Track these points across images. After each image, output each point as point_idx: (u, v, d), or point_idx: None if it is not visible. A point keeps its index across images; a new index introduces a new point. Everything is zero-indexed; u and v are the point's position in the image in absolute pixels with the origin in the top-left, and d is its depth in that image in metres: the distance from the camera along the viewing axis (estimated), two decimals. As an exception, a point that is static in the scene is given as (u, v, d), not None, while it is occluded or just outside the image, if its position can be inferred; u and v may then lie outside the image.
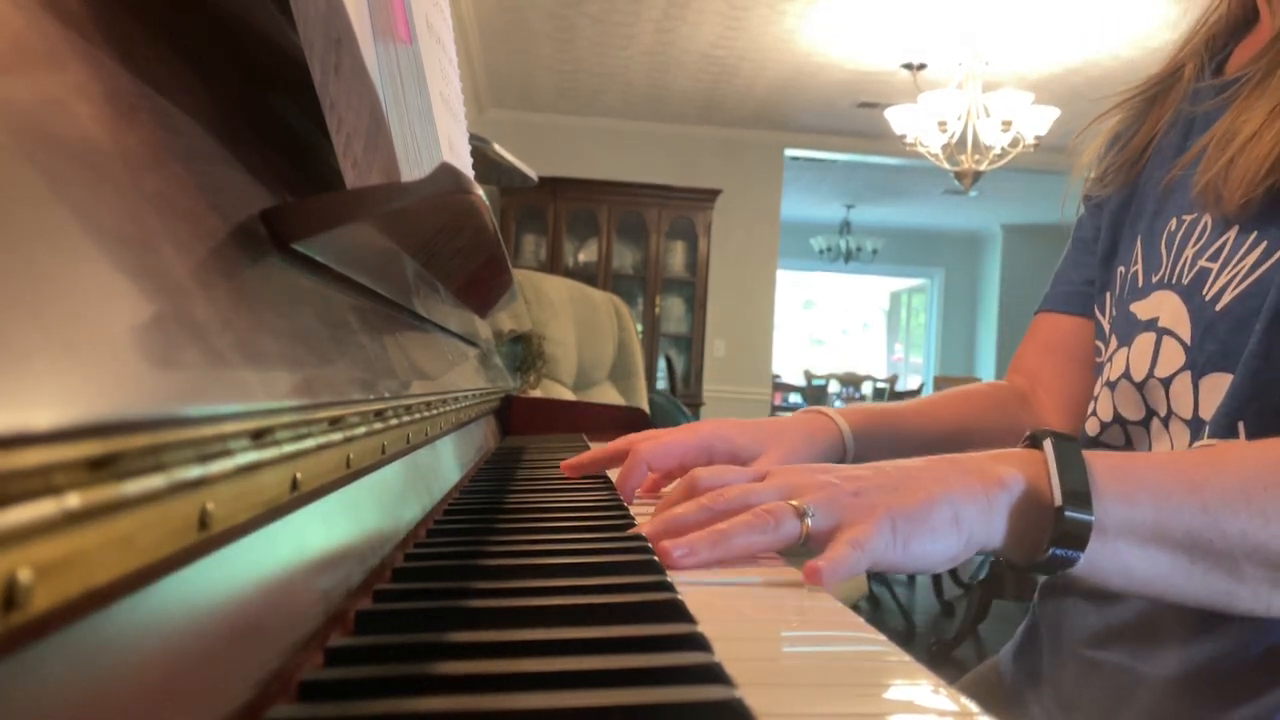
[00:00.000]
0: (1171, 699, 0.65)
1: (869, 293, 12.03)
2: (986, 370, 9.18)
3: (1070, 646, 0.75)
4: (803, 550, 0.52)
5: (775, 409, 7.00)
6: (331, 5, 0.42)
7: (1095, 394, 0.80)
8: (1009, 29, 4.34)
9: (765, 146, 6.25)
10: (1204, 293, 0.69)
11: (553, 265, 5.71)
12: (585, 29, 4.65)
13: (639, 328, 5.53)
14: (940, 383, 7.74)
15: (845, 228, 9.42)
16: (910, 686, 0.33)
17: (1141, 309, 0.76)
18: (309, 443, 0.32)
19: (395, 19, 0.56)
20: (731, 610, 0.43)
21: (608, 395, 2.93)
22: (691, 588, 0.43)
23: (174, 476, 0.22)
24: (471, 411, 0.88)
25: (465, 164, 0.80)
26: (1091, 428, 0.80)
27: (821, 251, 9.73)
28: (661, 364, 5.50)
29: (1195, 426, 0.69)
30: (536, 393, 2.08)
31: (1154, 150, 0.80)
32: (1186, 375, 0.70)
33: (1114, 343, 0.79)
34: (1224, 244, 0.69)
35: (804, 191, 8.14)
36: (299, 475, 0.31)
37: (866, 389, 9.09)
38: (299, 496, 0.31)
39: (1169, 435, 0.72)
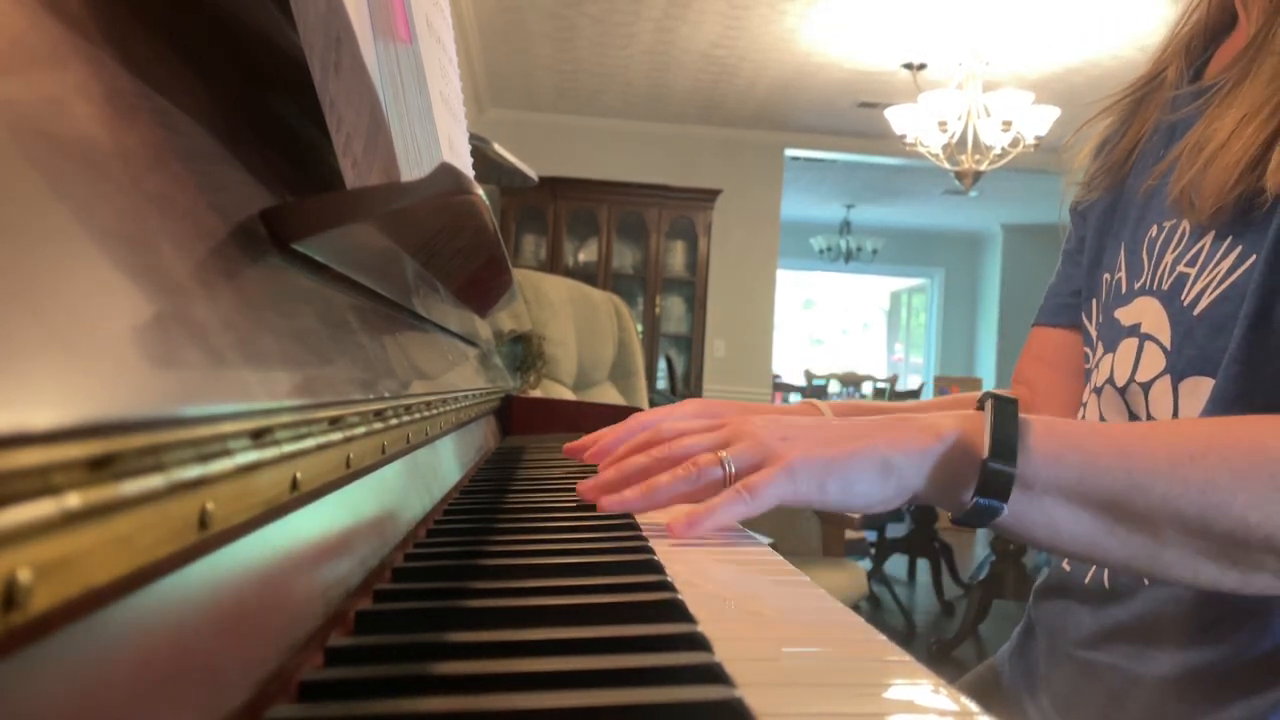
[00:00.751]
0: (1166, 700, 0.65)
1: (869, 293, 12.03)
2: (986, 370, 9.18)
3: (1065, 648, 0.75)
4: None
5: (775, 409, 6.99)
6: (331, 5, 0.42)
7: (1083, 400, 0.82)
8: (1009, 29, 4.34)
9: (765, 146, 6.25)
10: (1182, 298, 0.70)
11: (553, 265, 5.71)
12: (585, 29, 4.65)
13: (639, 328, 5.53)
14: (940, 383, 7.74)
15: (845, 228, 9.42)
16: (910, 686, 0.33)
17: (1125, 315, 0.77)
18: (309, 442, 0.32)
19: (395, 19, 0.56)
20: (732, 610, 0.43)
21: (608, 395, 2.93)
22: (692, 588, 0.43)
23: (173, 476, 0.22)
24: (471, 411, 0.88)
25: (465, 164, 0.80)
26: None
27: (821, 251, 9.73)
28: (661, 364, 5.50)
29: None
30: (536, 393, 2.08)
31: (1138, 156, 0.81)
32: (1166, 380, 0.71)
33: (1100, 349, 0.80)
34: (1201, 249, 0.69)
35: (804, 191, 8.14)
36: (299, 475, 0.31)
37: (866, 389, 9.09)
38: (299, 496, 0.31)
39: None
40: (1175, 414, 0.70)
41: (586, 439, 0.80)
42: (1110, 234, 0.82)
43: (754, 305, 6.24)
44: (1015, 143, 4.49)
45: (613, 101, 5.80)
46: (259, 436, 0.28)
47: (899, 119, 4.63)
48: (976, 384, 7.77)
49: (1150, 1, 4.00)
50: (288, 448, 0.30)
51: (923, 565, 4.57)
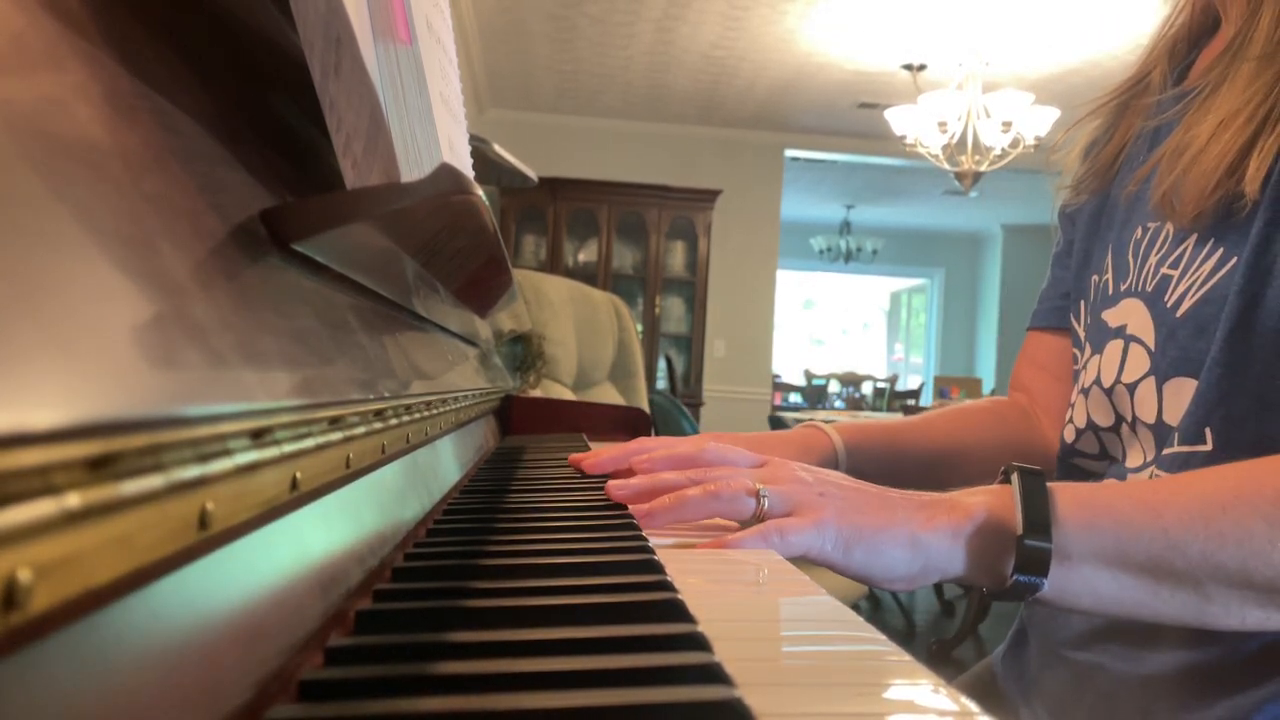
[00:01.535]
0: (1155, 700, 0.65)
1: (869, 293, 12.03)
2: (986, 370, 9.18)
3: (1056, 648, 0.75)
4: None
5: (775, 409, 7.00)
6: (331, 5, 0.42)
7: (1072, 401, 0.82)
8: (1009, 29, 4.34)
9: (765, 147, 6.25)
10: (1166, 299, 0.71)
11: (553, 265, 5.71)
12: (585, 29, 4.65)
13: (639, 328, 5.53)
14: (940, 383, 7.74)
15: (845, 228, 9.43)
16: (910, 686, 0.33)
17: (1111, 316, 0.77)
18: (309, 442, 0.32)
19: (395, 19, 0.56)
20: (732, 609, 0.43)
21: (608, 395, 2.92)
22: (692, 587, 0.43)
23: (173, 476, 0.22)
24: (471, 411, 0.88)
25: (465, 164, 0.80)
26: (1069, 435, 0.82)
27: (821, 251, 9.73)
28: (661, 364, 5.50)
29: (1159, 431, 0.70)
30: (536, 393, 2.08)
31: (1124, 159, 0.82)
32: (1150, 381, 0.71)
33: (1088, 350, 0.81)
34: (1183, 252, 0.70)
35: (804, 191, 8.14)
36: (299, 475, 0.31)
37: (866, 389, 9.09)
38: (299, 496, 0.31)
39: (1138, 440, 0.74)
40: (1160, 414, 0.70)
41: (596, 453, 0.79)
42: (1098, 237, 0.83)
43: (754, 305, 6.24)
44: (1015, 143, 4.49)
45: (613, 102, 5.80)
46: (259, 436, 0.28)
47: (899, 119, 4.63)
48: (976, 384, 7.77)
49: (1150, 2, 4.00)
50: (288, 448, 0.30)
51: (923, 565, 4.56)
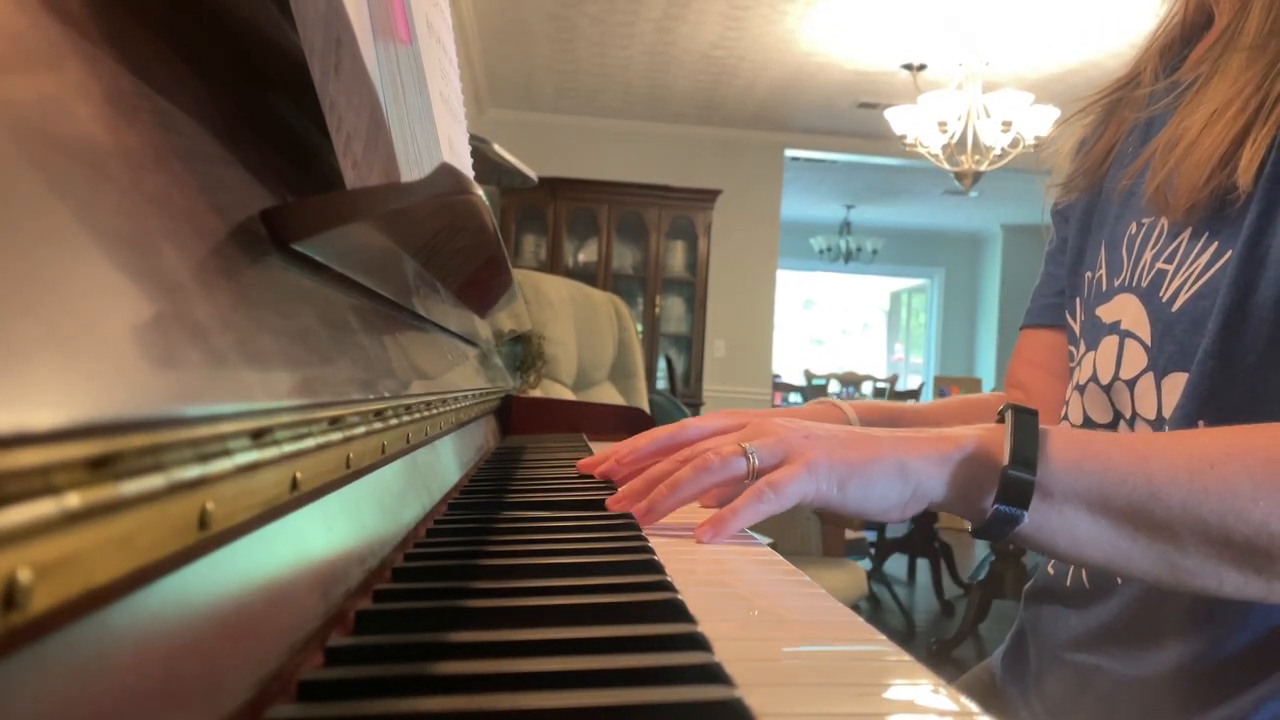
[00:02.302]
0: (1154, 701, 0.65)
1: (869, 293, 12.03)
2: (986, 370, 9.18)
3: (1055, 650, 0.75)
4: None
5: (775, 409, 6.99)
6: (331, 5, 0.42)
7: (1066, 399, 0.82)
8: (1009, 29, 4.34)
9: (765, 146, 6.25)
10: (1161, 294, 0.70)
11: (553, 265, 5.71)
12: (585, 29, 4.65)
13: (639, 328, 5.53)
14: (940, 383, 7.74)
15: (845, 228, 9.42)
16: (910, 686, 0.33)
17: (1106, 312, 0.77)
18: (309, 442, 0.32)
19: (395, 19, 0.56)
20: (732, 609, 0.43)
21: (608, 395, 2.92)
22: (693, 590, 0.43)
23: (173, 476, 0.22)
24: (471, 411, 0.88)
25: (465, 164, 0.80)
26: None
27: (821, 251, 9.73)
28: (661, 364, 5.50)
29: (1159, 427, 0.70)
30: (536, 393, 2.08)
31: (1115, 155, 0.82)
32: (1149, 376, 0.71)
33: (1083, 346, 0.80)
34: (1178, 246, 0.70)
35: (804, 191, 8.14)
36: (299, 475, 0.31)
37: (866, 389, 9.09)
38: (299, 496, 0.31)
39: None
40: (1160, 411, 0.70)
41: (599, 456, 0.79)
42: (1091, 233, 0.83)
43: (754, 305, 6.23)
44: (1015, 143, 4.49)
45: (613, 101, 5.80)
46: (259, 436, 0.28)
47: (899, 119, 4.63)
48: (976, 384, 7.77)
49: (1150, 2, 3.99)
50: (288, 448, 0.30)
51: (923, 565, 4.57)
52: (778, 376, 8.27)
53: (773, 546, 0.58)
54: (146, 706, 0.20)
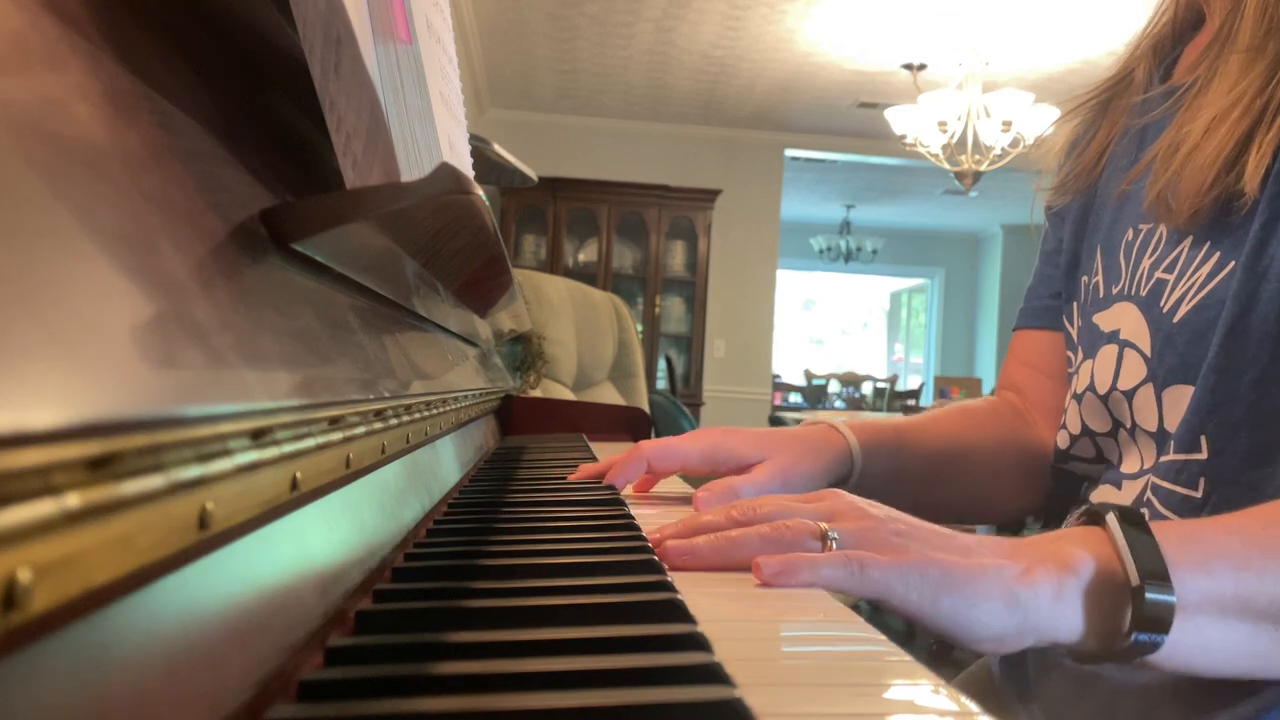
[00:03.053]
0: (1154, 708, 0.65)
1: (869, 293, 12.03)
2: (986, 370, 9.18)
3: (1055, 657, 0.75)
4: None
5: (775, 409, 7.00)
6: (331, 5, 0.42)
7: (1065, 407, 0.81)
8: (1009, 29, 4.34)
9: (765, 146, 6.25)
10: (1161, 304, 0.69)
11: (553, 265, 5.71)
12: (585, 29, 4.65)
13: (639, 328, 5.53)
14: (940, 383, 7.74)
15: (845, 228, 9.42)
16: (910, 686, 0.33)
17: (1104, 320, 0.76)
18: (309, 442, 0.32)
19: (395, 19, 0.56)
20: (732, 609, 0.43)
21: (608, 395, 2.92)
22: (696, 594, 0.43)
23: (173, 476, 0.22)
24: (471, 411, 0.88)
25: (465, 164, 0.80)
26: (1062, 441, 0.81)
27: (821, 251, 9.73)
28: (661, 364, 5.50)
29: (1161, 438, 0.70)
30: (536, 393, 2.08)
31: (1109, 158, 0.80)
32: (1149, 388, 0.70)
33: (1080, 354, 0.79)
34: (1179, 255, 0.68)
35: (804, 191, 8.14)
36: (299, 475, 0.31)
37: (866, 389, 9.09)
38: (299, 496, 0.31)
39: (1137, 447, 0.73)
40: (1160, 423, 0.69)
41: (593, 467, 0.77)
42: (1086, 237, 0.82)
43: (754, 305, 6.24)
44: (1015, 143, 4.49)
45: (613, 101, 5.80)
46: (259, 436, 0.28)
47: (899, 119, 4.63)
48: (976, 384, 7.77)
49: (1150, 2, 4.00)
50: (288, 448, 0.30)
51: (923, 565, 4.56)
52: (778, 376, 8.27)
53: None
54: (147, 707, 0.20)
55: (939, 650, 3.39)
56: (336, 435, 0.36)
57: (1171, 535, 0.51)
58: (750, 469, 0.73)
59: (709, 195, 5.82)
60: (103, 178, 0.25)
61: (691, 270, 5.90)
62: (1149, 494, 0.69)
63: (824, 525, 0.50)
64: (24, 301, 0.18)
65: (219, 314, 0.28)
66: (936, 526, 0.52)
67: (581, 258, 5.88)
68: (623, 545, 0.49)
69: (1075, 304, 0.82)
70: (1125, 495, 0.72)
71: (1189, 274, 0.67)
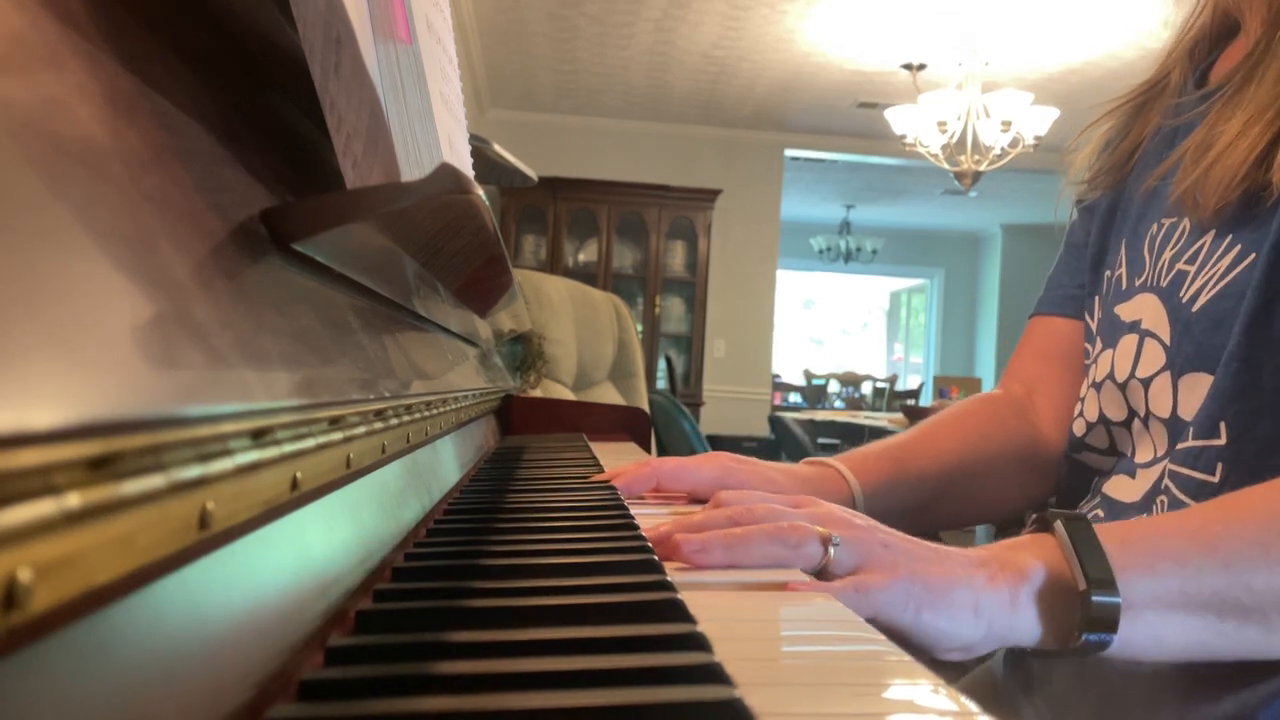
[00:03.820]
0: (1160, 697, 0.65)
1: (869, 293, 12.03)
2: (986, 369, 9.18)
3: None
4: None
5: (775, 409, 7.00)
6: (331, 5, 0.42)
7: (1082, 395, 0.82)
8: (1009, 29, 4.34)
9: (765, 146, 6.25)
10: (1181, 295, 0.70)
11: (553, 265, 5.71)
12: (585, 29, 4.65)
13: (639, 328, 5.53)
14: (940, 382, 7.74)
15: (845, 228, 9.42)
16: (910, 686, 0.33)
17: (1125, 311, 0.77)
18: (309, 442, 0.32)
19: (395, 19, 0.56)
20: (732, 609, 0.43)
21: (608, 395, 2.92)
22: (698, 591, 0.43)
23: (174, 476, 0.22)
24: (471, 411, 0.88)
25: (465, 164, 0.80)
26: (1079, 429, 0.82)
27: (821, 251, 9.73)
28: (661, 364, 5.50)
29: (1173, 425, 0.71)
30: (536, 393, 2.08)
31: (1140, 156, 0.82)
32: (1166, 375, 0.71)
33: (1100, 344, 0.80)
34: (1201, 247, 0.70)
35: (804, 191, 8.14)
36: (299, 475, 0.31)
37: (866, 389, 9.09)
38: (299, 496, 0.31)
39: (1150, 435, 0.74)
40: (1175, 409, 0.70)
41: (601, 477, 0.76)
42: (1112, 232, 0.83)
43: (754, 305, 6.24)
44: (1015, 143, 4.49)
45: (613, 101, 5.80)
46: (259, 436, 0.28)
47: (899, 119, 4.63)
48: (976, 384, 7.77)
49: (1150, 2, 4.00)
50: (288, 448, 0.30)
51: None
52: (777, 376, 8.27)
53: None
54: (147, 707, 0.20)
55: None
56: (337, 435, 0.36)
57: (1116, 538, 0.54)
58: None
59: (709, 195, 5.82)
60: (103, 178, 0.25)
61: (691, 270, 5.90)
62: (1166, 480, 0.70)
63: (822, 530, 0.52)
64: (24, 301, 0.18)
65: (219, 314, 0.28)
66: (916, 540, 0.54)
67: (581, 258, 5.88)
68: (623, 545, 0.49)
69: (1097, 297, 0.83)
70: (1140, 484, 0.73)
71: (1210, 265, 0.69)
